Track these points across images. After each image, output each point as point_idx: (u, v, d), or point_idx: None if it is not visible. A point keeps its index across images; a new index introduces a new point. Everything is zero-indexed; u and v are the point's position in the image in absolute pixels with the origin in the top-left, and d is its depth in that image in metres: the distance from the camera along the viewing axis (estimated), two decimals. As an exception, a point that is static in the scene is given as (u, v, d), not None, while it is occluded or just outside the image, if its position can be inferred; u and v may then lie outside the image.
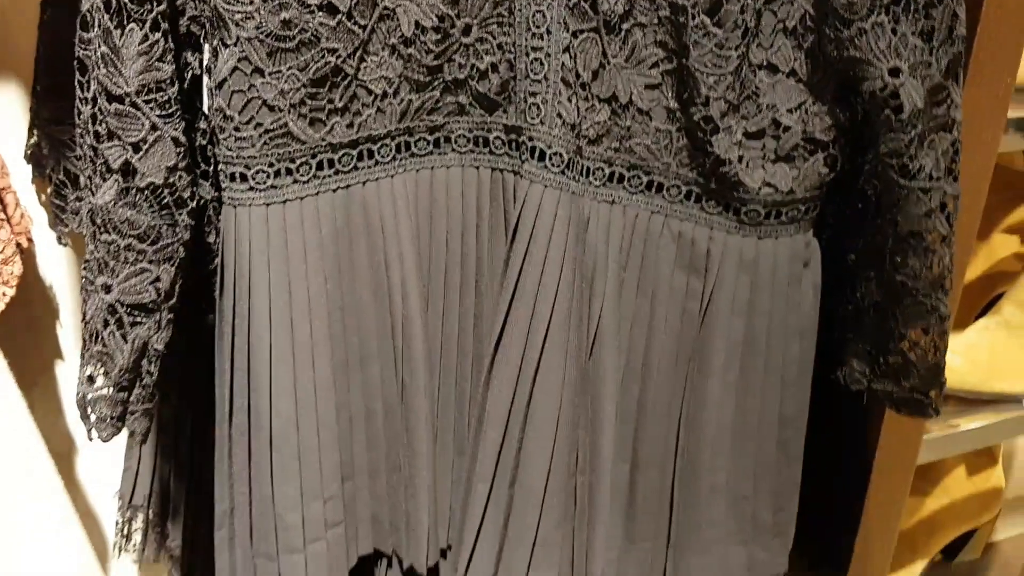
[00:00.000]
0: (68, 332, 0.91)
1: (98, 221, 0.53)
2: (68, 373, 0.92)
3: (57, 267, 0.88)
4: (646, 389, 0.64)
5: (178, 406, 0.80)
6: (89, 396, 0.56)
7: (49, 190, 0.78)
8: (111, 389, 0.56)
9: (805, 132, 0.57)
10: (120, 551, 0.89)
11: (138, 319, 0.55)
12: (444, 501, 0.68)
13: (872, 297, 0.63)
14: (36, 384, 0.89)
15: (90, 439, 0.57)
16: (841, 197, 0.63)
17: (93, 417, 0.57)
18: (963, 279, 0.72)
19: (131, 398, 0.57)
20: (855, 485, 0.78)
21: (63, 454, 0.94)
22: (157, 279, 0.55)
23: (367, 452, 0.65)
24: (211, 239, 0.61)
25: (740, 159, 0.58)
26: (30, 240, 0.79)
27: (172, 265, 0.55)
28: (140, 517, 0.89)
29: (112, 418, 0.57)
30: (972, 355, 0.88)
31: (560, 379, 0.60)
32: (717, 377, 0.62)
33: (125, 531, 0.89)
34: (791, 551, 0.74)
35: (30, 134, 0.79)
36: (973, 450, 1.05)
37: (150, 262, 0.54)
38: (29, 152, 0.80)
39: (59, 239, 0.80)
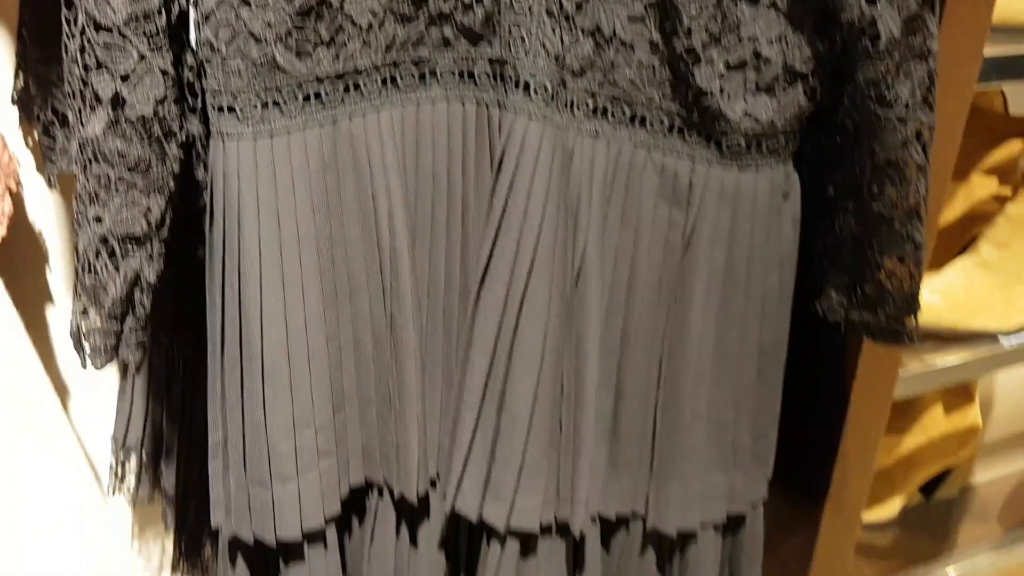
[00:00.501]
0: (58, 277, 0.92)
1: (88, 153, 0.54)
2: (58, 317, 0.92)
3: (46, 212, 0.88)
4: (629, 320, 0.65)
5: (169, 346, 0.81)
6: (83, 327, 0.57)
7: (37, 131, 0.78)
8: (105, 320, 0.57)
9: (785, 63, 0.58)
10: (114, 492, 0.90)
11: (130, 250, 0.56)
12: (433, 432, 0.69)
13: (850, 228, 0.64)
14: (27, 328, 0.90)
15: (84, 368, 0.59)
16: (821, 130, 0.64)
17: (87, 348, 0.58)
18: (939, 217, 0.73)
19: (124, 329, 0.58)
20: (833, 418, 0.80)
21: (55, 397, 0.95)
22: (148, 210, 0.55)
23: (357, 384, 0.67)
24: (200, 175, 0.62)
25: (721, 91, 0.58)
26: (18, 183, 0.79)
27: (163, 197, 0.56)
28: (134, 459, 0.90)
29: (106, 348, 0.58)
30: (949, 293, 0.90)
31: (545, 309, 0.61)
32: (698, 307, 0.64)
33: (119, 472, 0.91)
34: (771, 481, 0.77)
35: (16, 76, 0.79)
36: (950, 388, 1.08)
37: (141, 193, 0.55)
38: (16, 95, 0.80)
39: (49, 181, 0.80)
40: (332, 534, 0.69)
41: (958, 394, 1.08)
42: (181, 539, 0.88)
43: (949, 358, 0.87)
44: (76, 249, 0.57)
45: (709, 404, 0.67)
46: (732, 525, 0.75)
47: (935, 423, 1.08)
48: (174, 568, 0.89)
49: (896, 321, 0.63)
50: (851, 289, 0.65)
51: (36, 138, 0.81)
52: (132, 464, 0.91)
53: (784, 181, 0.62)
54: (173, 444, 0.86)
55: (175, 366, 0.82)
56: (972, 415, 1.09)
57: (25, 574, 0.82)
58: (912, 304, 0.63)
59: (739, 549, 0.76)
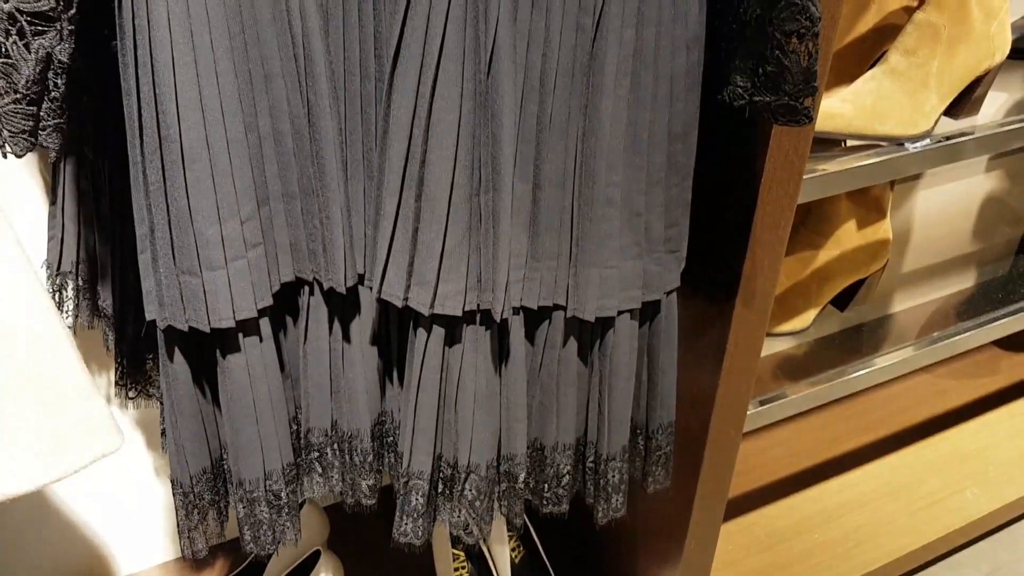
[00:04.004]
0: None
1: (-13, -74, 0.53)
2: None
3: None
4: (544, 107, 0.67)
5: (95, 161, 0.82)
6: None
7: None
8: (21, 103, 0.57)
9: None
10: (54, 320, 0.91)
11: (39, 28, 0.56)
12: (359, 228, 0.71)
13: (753, 11, 0.66)
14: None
15: (4, 157, 0.59)
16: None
17: (6, 133, 0.58)
18: (838, 21, 0.74)
19: (42, 112, 0.59)
20: (745, 217, 0.84)
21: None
22: (54, -15, 0.55)
23: (280, 178, 0.68)
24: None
25: None
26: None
27: (68, -28, 0.56)
28: (70, 285, 0.91)
29: (25, 132, 0.58)
30: (858, 101, 0.93)
31: (458, 92, 0.63)
32: (609, 91, 0.66)
33: (57, 299, 0.92)
34: (687, 280, 0.81)
35: None
36: (863, 203, 1.13)
37: (45, -32, 0.55)
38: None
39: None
40: (267, 327, 0.72)
41: (870, 209, 1.13)
42: (122, 354, 0.91)
43: (855, 161, 0.91)
44: (-15, 33, 0.57)
45: (623, 191, 0.70)
46: (648, 312, 0.79)
47: (848, 237, 1.13)
48: (118, 384, 0.92)
49: (795, 99, 0.66)
50: (754, 72, 0.68)
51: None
52: (69, 290, 0.92)
53: (689, -40, 0.64)
54: (107, 263, 0.88)
55: (102, 183, 0.83)
56: (883, 229, 1.15)
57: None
58: (809, 82, 0.66)
59: (655, 336, 0.81)
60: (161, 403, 0.87)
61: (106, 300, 0.89)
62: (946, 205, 1.58)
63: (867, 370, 1.14)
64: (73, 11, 0.57)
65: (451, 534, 0.81)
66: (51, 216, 0.90)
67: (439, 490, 0.80)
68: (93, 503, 1.21)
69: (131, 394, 0.92)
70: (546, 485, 0.86)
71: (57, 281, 0.91)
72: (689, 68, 0.68)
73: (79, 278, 0.91)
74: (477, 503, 0.80)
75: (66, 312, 0.92)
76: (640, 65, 0.66)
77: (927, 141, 0.96)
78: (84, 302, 0.92)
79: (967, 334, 1.23)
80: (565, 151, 0.69)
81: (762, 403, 1.05)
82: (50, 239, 0.91)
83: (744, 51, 0.68)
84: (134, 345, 0.89)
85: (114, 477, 1.20)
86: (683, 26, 0.66)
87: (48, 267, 0.91)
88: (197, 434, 0.76)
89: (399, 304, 0.70)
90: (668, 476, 0.90)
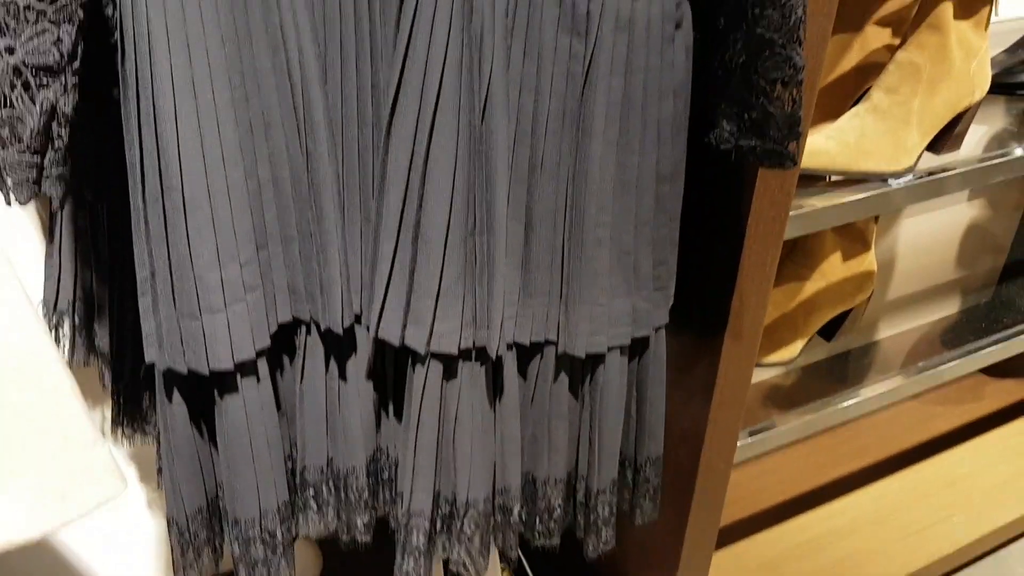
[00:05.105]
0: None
1: (-7, -18, 0.55)
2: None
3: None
4: (536, 150, 0.69)
5: (93, 203, 0.83)
6: (3, 161, 0.59)
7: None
8: (25, 153, 0.59)
9: None
10: (49, 357, 0.92)
11: (44, 81, 0.57)
12: (355, 269, 0.73)
13: (739, 58, 0.68)
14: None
15: (8, 204, 0.60)
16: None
17: (10, 181, 0.59)
18: (824, 52, 0.77)
19: (45, 162, 0.60)
20: (732, 255, 0.85)
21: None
22: (59, 40, 0.56)
23: (279, 222, 0.69)
24: (109, 12, 0.63)
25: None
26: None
27: (72, 26, 0.57)
28: (67, 323, 0.92)
29: (29, 181, 0.59)
30: (842, 138, 0.95)
31: (454, 139, 0.64)
32: (598, 135, 0.68)
33: (53, 336, 0.93)
34: (675, 318, 0.82)
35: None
36: (848, 236, 1.15)
37: (51, 22, 0.56)
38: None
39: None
40: (264, 368, 0.73)
41: (855, 241, 1.15)
42: (119, 393, 0.91)
43: (841, 198, 0.93)
44: (-10, 84, 0.58)
45: (612, 231, 0.72)
46: (637, 349, 0.81)
47: (833, 269, 1.15)
48: (114, 423, 0.92)
49: (780, 144, 0.68)
50: (740, 117, 0.70)
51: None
52: (65, 328, 0.93)
53: (675, 10, 0.66)
54: (104, 302, 0.88)
55: (101, 222, 0.84)
56: (868, 261, 1.17)
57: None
58: (794, 128, 0.68)
59: (644, 371, 0.82)
60: (158, 442, 0.87)
61: (103, 339, 0.89)
62: (929, 233, 1.60)
63: (855, 400, 1.16)
64: (77, 63, 0.59)
65: (450, 571, 0.82)
66: (48, 255, 0.90)
67: (438, 528, 0.81)
68: (86, 536, 1.20)
69: (127, 432, 0.92)
70: (538, 518, 0.87)
71: (54, 319, 0.92)
72: (676, 113, 0.70)
73: (75, 316, 0.91)
74: (475, 538, 0.81)
75: (62, 350, 0.93)
76: (628, 111, 0.68)
77: (910, 177, 0.98)
78: (80, 340, 0.92)
79: (952, 363, 1.25)
80: (556, 192, 0.71)
81: (752, 434, 1.07)
82: (47, 278, 0.91)
83: (730, 97, 0.70)
84: (131, 384, 0.89)
85: (108, 511, 1.19)
86: (669, 73, 0.68)
87: (45, 305, 0.92)
88: (193, 474, 0.76)
89: (396, 343, 0.71)
90: (656, 509, 0.91)
